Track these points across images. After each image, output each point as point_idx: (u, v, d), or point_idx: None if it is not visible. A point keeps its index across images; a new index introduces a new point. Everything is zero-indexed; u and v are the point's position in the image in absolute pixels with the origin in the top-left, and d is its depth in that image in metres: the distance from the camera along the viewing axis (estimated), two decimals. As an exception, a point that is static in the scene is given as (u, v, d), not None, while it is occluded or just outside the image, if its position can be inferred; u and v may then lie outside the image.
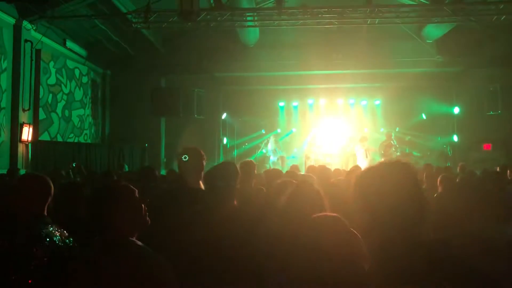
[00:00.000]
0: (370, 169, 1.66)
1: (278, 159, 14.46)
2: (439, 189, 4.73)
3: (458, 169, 8.50)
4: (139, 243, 2.05)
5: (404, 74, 14.36)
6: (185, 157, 3.24)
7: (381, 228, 1.50)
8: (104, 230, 2.04)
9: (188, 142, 12.81)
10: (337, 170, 7.13)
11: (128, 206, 2.08)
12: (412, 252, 1.44)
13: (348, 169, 6.95)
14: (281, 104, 16.43)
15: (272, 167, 12.67)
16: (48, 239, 2.38)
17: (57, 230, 2.47)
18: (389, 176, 1.55)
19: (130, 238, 2.05)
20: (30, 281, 2.26)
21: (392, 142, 13.55)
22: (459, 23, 11.82)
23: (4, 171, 7.95)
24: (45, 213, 2.59)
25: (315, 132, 15.47)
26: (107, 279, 1.90)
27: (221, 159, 15.51)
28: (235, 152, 16.03)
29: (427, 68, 14.33)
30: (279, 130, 16.05)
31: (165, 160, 14.89)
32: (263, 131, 16.16)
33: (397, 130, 14.64)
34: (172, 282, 1.99)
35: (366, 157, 13.23)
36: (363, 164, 12.11)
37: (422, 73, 14.48)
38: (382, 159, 13.19)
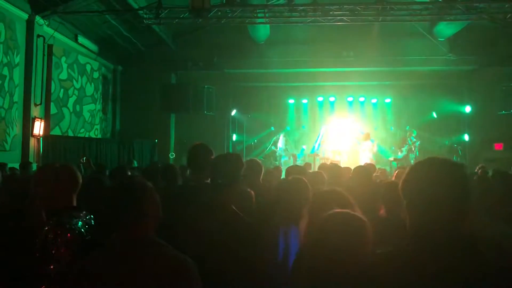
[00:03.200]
0: (420, 165, 1.66)
1: (289, 157, 14.49)
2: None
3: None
4: (163, 242, 1.98)
5: (416, 72, 14.26)
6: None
7: (428, 223, 1.53)
8: (127, 227, 1.96)
9: (198, 138, 12.83)
10: (347, 168, 7.11)
11: (154, 204, 2.03)
12: (456, 247, 1.49)
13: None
14: (291, 101, 16.40)
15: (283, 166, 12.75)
16: (72, 230, 2.34)
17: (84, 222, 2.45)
18: (441, 173, 1.57)
19: (152, 237, 1.98)
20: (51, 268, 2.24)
21: (409, 139, 13.67)
22: (472, 21, 11.71)
23: (16, 165, 8.05)
24: (74, 205, 2.56)
25: (325, 130, 15.46)
26: (128, 280, 1.84)
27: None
28: (244, 149, 16.05)
29: (438, 66, 14.22)
30: (288, 128, 16.03)
31: (174, 155, 14.97)
32: (272, 129, 16.16)
33: (407, 128, 14.59)
34: (197, 284, 1.92)
35: (371, 153, 13.42)
36: (367, 161, 12.22)
37: (433, 72, 14.39)
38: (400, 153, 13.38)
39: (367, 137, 13.91)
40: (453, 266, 1.45)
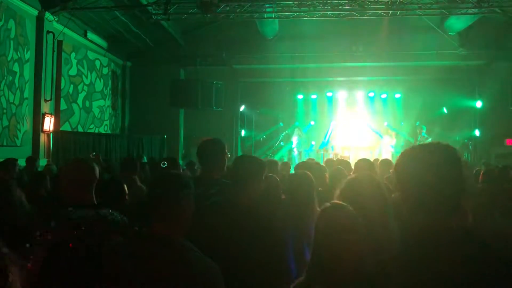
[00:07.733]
0: (408, 152, 1.58)
1: (299, 153, 14.49)
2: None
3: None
4: (191, 245, 1.92)
5: (426, 67, 14.12)
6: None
7: (422, 212, 1.47)
8: (163, 220, 1.91)
9: (206, 134, 12.85)
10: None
11: (192, 204, 1.98)
12: (456, 237, 1.43)
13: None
14: (300, 96, 16.34)
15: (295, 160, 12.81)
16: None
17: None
18: (429, 157, 1.49)
19: (182, 239, 1.92)
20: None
21: (419, 135, 13.65)
22: (483, 14, 11.55)
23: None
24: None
25: (334, 126, 15.40)
26: (154, 277, 1.81)
27: (239, 152, 15.57)
28: (253, 145, 16.05)
29: (449, 61, 14.05)
30: (297, 123, 15.97)
31: (183, 151, 15.01)
32: (281, 124, 16.12)
33: (417, 124, 14.47)
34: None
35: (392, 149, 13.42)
36: (387, 156, 12.18)
37: (444, 66, 14.20)
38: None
39: (385, 132, 13.85)
40: (460, 260, 1.39)
